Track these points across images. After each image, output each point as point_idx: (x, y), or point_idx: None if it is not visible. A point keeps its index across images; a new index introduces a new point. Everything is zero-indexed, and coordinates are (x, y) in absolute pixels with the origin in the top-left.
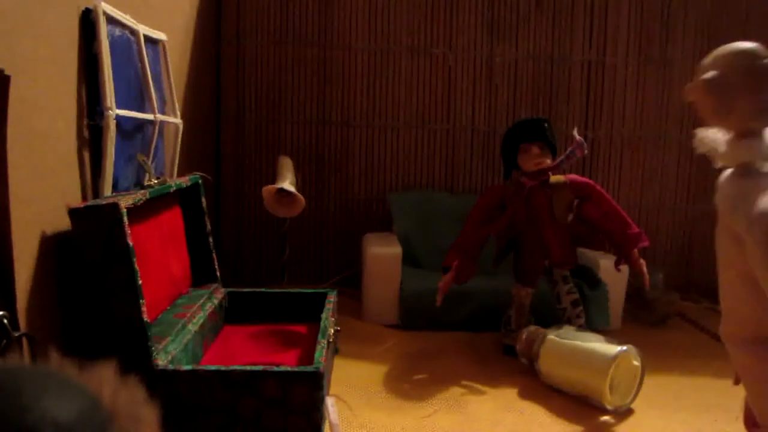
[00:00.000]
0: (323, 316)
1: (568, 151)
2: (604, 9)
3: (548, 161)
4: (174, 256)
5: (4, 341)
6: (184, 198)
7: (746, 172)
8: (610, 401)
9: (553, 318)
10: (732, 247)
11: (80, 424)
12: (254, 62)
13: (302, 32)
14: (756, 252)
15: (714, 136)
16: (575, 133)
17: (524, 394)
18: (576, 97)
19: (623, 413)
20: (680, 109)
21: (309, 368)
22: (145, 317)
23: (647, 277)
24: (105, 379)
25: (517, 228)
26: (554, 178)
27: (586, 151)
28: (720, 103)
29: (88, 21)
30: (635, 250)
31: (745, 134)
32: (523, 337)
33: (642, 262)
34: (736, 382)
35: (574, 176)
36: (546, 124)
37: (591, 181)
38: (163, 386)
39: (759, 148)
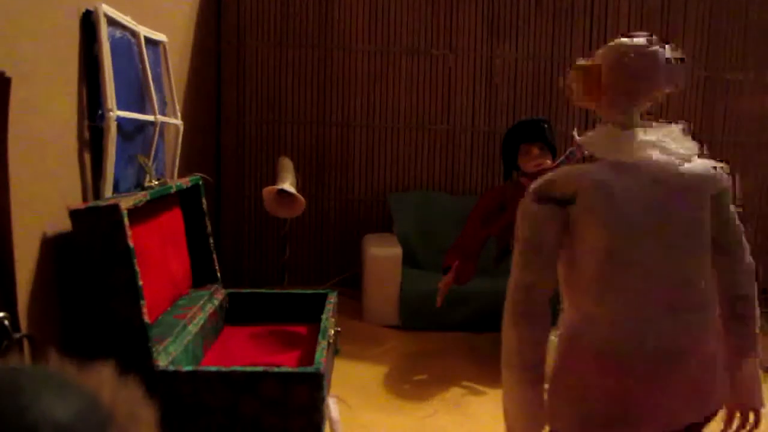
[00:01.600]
0: (323, 316)
1: (568, 152)
2: (604, 9)
3: (548, 162)
4: (174, 257)
5: (5, 342)
6: (185, 199)
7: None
8: None
9: (553, 317)
10: None
11: (79, 424)
12: (254, 63)
13: (302, 33)
14: None
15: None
16: (575, 133)
17: None
18: None
19: None
20: (680, 108)
21: (309, 369)
22: (146, 318)
23: None
24: (104, 380)
25: None
26: None
27: (586, 152)
28: (582, 89)
29: (88, 23)
30: None
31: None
32: None
33: None
34: None
35: None
36: (546, 125)
37: None
38: (164, 387)
39: (603, 135)
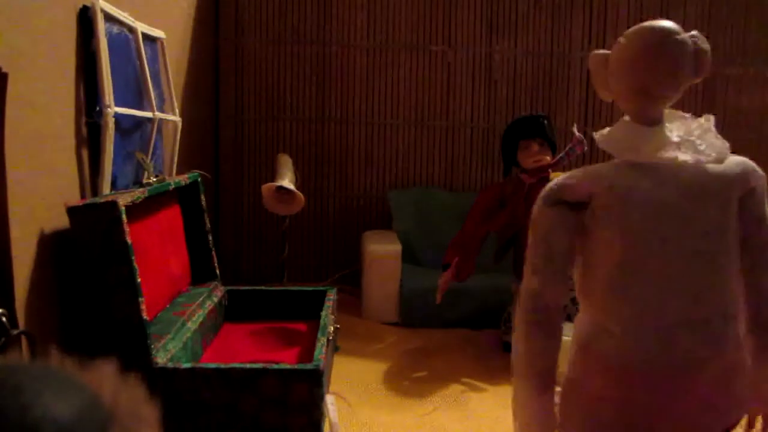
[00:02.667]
0: (323, 313)
1: (567, 148)
2: (603, 4)
3: (548, 158)
4: (173, 254)
5: (3, 339)
6: (183, 196)
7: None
8: None
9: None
10: None
11: (81, 422)
12: (253, 60)
13: (301, 30)
14: None
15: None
16: (575, 129)
17: None
18: (575, 93)
19: None
20: (680, 103)
21: (309, 366)
22: (145, 315)
23: None
24: (105, 377)
25: (517, 225)
26: (554, 175)
27: (585, 148)
28: (596, 77)
29: (86, 19)
30: None
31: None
32: None
33: None
34: None
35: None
36: (545, 121)
37: None
38: (163, 384)
39: (622, 132)
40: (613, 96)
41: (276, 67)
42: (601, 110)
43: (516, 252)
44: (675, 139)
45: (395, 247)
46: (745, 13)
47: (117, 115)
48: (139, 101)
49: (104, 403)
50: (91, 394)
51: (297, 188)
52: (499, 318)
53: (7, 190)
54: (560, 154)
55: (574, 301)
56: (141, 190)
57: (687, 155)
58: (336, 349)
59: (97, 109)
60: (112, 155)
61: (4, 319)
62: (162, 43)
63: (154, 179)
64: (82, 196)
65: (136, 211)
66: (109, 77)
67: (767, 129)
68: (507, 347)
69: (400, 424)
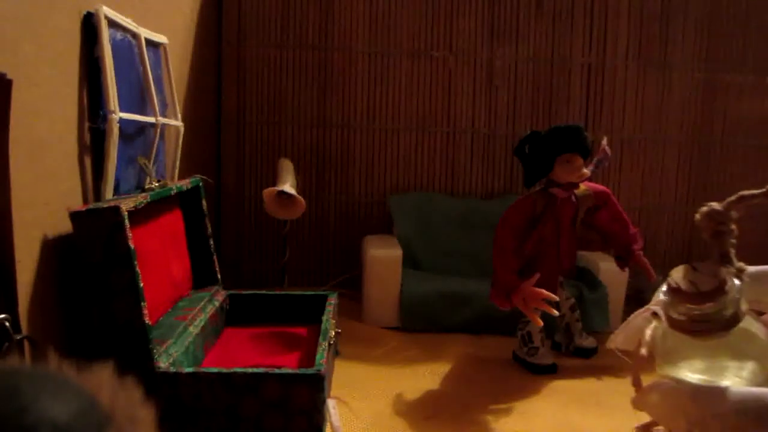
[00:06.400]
0: (324, 318)
1: (596, 161)
2: (604, 11)
3: (587, 172)
4: (175, 259)
5: (6, 344)
6: (185, 201)
7: None
8: None
9: (551, 322)
10: None
11: (78, 424)
12: (255, 65)
13: (303, 35)
14: None
15: None
16: (604, 142)
17: (526, 397)
18: (576, 99)
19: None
20: (680, 110)
21: (310, 370)
22: (147, 320)
23: (652, 271)
24: (103, 381)
25: (545, 242)
26: (581, 188)
27: (609, 160)
28: None
29: (89, 25)
30: (638, 248)
31: None
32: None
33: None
34: None
35: (591, 184)
36: (585, 133)
37: (608, 189)
38: (165, 389)
39: None
40: None
41: (278, 73)
42: (601, 117)
43: (530, 269)
44: None
45: (396, 252)
46: (745, 21)
47: (121, 121)
48: (142, 106)
49: (101, 405)
50: (89, 397)
51: (298, 193)
52: (499, 323)
53: (11, 195)
54: (590, 167)
55: (572, 308)
56: (143, 195)
57: None
58: (337, 354)
59: (101, 114)
60: (115, 160)
61: (7, 324)
62: (165, 49)
63: (156, 184)
64: (85, 201)
65: (139, 215)
66: (114, 83)
67: (767, 137)
68: (528, 365)
69: (401, 429)
